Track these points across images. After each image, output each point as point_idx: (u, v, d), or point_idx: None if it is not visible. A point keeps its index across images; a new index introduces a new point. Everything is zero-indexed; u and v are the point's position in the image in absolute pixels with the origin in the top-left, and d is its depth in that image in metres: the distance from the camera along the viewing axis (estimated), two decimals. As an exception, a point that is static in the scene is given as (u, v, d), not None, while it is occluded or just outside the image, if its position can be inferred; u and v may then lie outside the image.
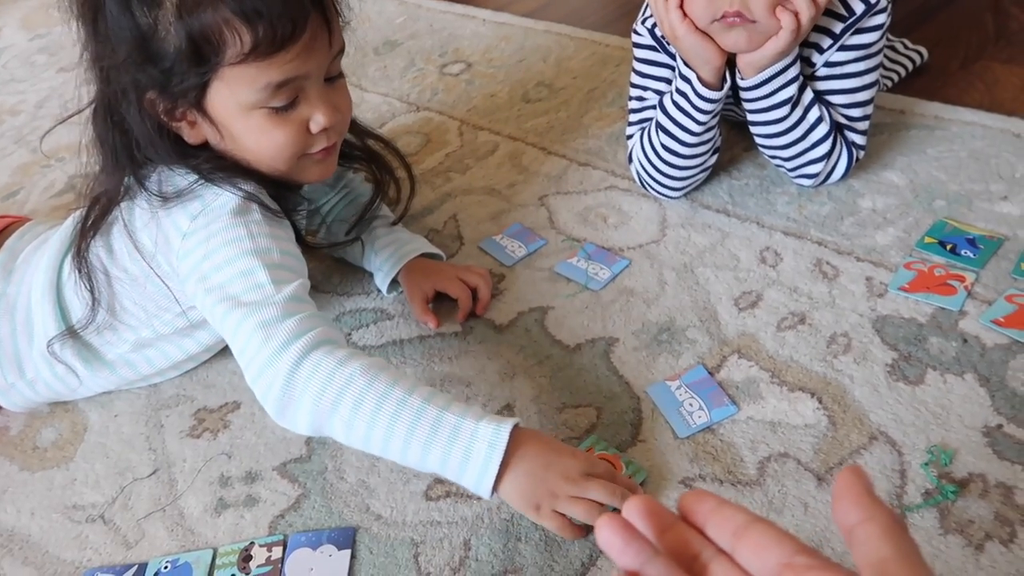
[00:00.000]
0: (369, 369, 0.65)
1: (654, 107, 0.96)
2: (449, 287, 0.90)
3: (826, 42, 0.87)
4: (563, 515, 0.64)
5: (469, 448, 0.62)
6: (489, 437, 0.62)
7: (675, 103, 0.90)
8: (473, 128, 1.26)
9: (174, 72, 0.68)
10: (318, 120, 0.75)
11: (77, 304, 0.81)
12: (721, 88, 0.87)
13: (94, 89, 0.74)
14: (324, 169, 0.81)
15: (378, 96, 1.39)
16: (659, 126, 0.93)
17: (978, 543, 0.62)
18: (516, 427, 0.64)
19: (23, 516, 0.78)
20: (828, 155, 0.91)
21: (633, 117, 1.00)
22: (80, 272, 0.78)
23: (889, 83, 1.14)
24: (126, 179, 0.76)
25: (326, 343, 0.67)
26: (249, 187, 0.75)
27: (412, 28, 1.62)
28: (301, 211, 0.86)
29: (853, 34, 0.86)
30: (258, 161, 0.76)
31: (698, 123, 0.90)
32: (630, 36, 0.98)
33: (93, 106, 0.75)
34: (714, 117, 0.90)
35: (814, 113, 0.88)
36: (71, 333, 0.81)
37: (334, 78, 0.77)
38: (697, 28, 0.82)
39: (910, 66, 1.17)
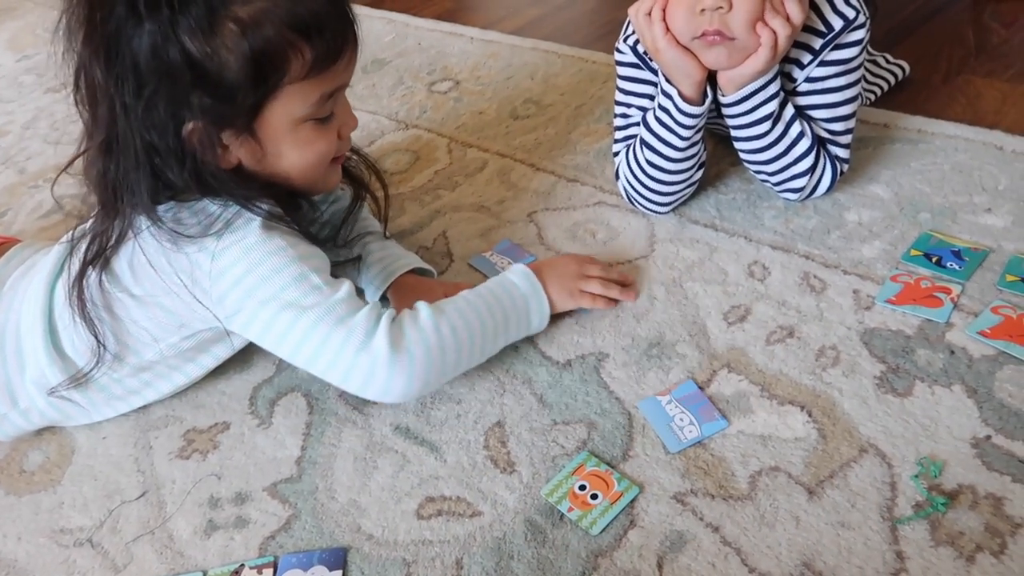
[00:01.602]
0: (461, 306, 0.78)
1: (638, 124, 0.96)
2: (435, 305, 0.91)
3: (806, 58, 0.88)
4: (587, 293, 0.86)
5: (526, 298, 0.82)
6: (523, 279, 0.83)
7: (658, 119, 0.91)
8: (462, 145, 1.26)
9: (235, 96, 0.68)
10: (348, 125, 0.79)
11: (77, 340, 0.78)
12: (702, 103, 0.88)
13: (101, 130, 0.70)
14: (337, 174, 0.85)
15: (367, 114, 1.39)
16: (643, 142, 0.94)
17: (969, 554, 0.62)
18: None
19: (9, 541, 0.77)
20: (812, 169, 0.92)
21: (618, 134, 1.01)
22: (84, 318, 0.76)
23: (872, 97, 1.16)
24: (133, 215, 0.73)
25: (401, 319, 0.74)
26: (267, 206, 0.74)
27: (401, 46, 1.63)
28: (306, 225, 0.86)
29: (832, 49, 0.87)
30: (297, 172, 0.76)
31: (681, 138, 0.90)
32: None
33: (100, 147, 0.71)
34: (697, 132, 0.91)
35: (795, 128, 0.89)
36: (77, 379, 0.79)
37: None
38: (678, 43, 0.83)
39: (892, 80, 1.18)
